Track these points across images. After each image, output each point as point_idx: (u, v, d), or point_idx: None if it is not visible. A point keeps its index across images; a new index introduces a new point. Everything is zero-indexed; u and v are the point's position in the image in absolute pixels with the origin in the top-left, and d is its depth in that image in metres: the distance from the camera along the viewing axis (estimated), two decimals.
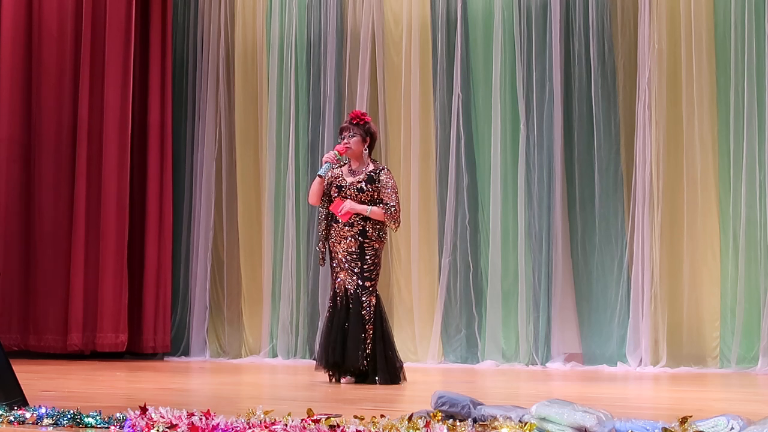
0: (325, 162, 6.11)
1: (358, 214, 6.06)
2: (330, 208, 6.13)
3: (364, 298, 6.01)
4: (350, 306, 6.03)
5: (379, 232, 6.10)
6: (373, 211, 6.06)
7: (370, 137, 6.19)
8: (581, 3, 8.29)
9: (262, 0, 9.53)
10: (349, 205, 6.04)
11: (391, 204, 6.06)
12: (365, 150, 6.17)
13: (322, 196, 6.18)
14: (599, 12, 8.22)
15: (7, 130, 8.84)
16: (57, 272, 8.81)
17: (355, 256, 6.05)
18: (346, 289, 6.06)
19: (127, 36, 9.05)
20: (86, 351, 8.80)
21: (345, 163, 6.20)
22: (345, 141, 6.13)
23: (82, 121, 8.90)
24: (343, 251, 6.07)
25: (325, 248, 6.19)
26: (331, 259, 6.16)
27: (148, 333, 9.13)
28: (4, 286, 8.70)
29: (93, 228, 8.85)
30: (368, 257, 6.05)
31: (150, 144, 9.30)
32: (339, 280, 6.10)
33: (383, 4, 9.03)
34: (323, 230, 6.18)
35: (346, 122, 6.27)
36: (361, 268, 6.04)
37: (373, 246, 6.08)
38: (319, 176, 6.13)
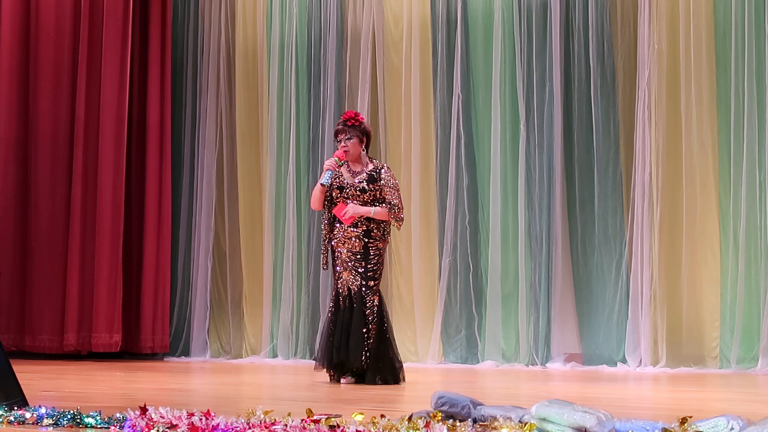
0: (327, 170, 6.08)
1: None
2: (333, 211, 6.11)
3: (367, 298, 6.00)
4: (354, 306, 6.02)
5: (383, 231, 6.10)
6: (376, 212, 6.05)
7: (366, 137, 6.18)
8: (581, 3, 8.29)
9: (262, 0, 9.53)
10: (352, 209, 6.02)
11: (394, 202, 6.05)
12: (363, 149, 6.16)
13: (324, 198, 6.16)
14: (599, 12, 8.22)
15: (4, 129, 8.85)
16: (53, 272, 8.82)
17: (359, 256, 6.04)
18: (350, 289, 6.05)
19: (125, 35, 9.05)
20: (83, 351, 8.81)
21: (343, 163, 6.17)
22: (342, 144, 6.11)
23: (79, 120, 8.90)
24: (347, 251, 6.06)
25: (327, 250, 6.17)
26: (334, 259, 6.14)
27: (147, 333, 9.12)
28: (0, 285, 8.70)
29: (89, 228, 8.85)
30: (372, 257, 6.05)
31: (149, 144, 9.30)
32: (342, 280, 6.08)
33: (383, 4, 9.03)
34: (326, 233, 6.16)
35: (339, 124, 6.21)
36: (365, 267, 6.03)
37: (377, 246, 6.07)
38: (322, 185, 6.11)
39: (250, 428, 2.94)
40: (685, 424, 2.75)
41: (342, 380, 6.03)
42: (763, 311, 7.49)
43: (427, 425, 2.86)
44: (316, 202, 6.19)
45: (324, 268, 6.31)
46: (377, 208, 6.06)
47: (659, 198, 7.93)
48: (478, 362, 8.29)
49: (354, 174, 6.13)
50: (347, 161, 6.15)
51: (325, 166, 6.14)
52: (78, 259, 8.80)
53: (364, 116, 6.69)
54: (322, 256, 6.22)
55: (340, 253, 6.09)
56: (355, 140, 6.11)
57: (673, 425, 2.77)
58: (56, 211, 8.90)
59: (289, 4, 9.36)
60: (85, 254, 8.83)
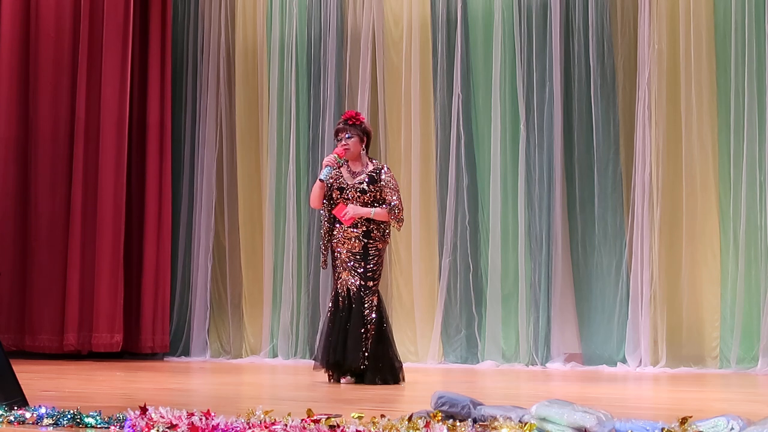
0: (326, 166, 6.08)
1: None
2: (333, 212, 6.11)
3: (366, 298, 6.00)
4: (353, 306, 6.02)
5: (383, 232, 6.10)
6: (377, 212, 6.04)
7: (366, 136, 6.18)
8: (581, 3, 8.29)
9: (262, 0, 9.53)
10: (352, 210, 6.01)
11: (394, 203, 6.05)
12: (363, 149, 6.16)
13: (324, 198, 6.16)
14: (599, 12, 8.22)
15: (4, 129, 8.85)
16: (53, 272, 8.81)
17: (359, 256, 6.03)
18: (349, 289, 6.05)
19: (125, 36, 9.05)
20: (83, 351, 8.81)
21: (343, 163, 6.17)
22: (343, 143, 6.11)
23: (80, 120, 8.90)
24: (347, 252, 6.05)
25: (327, 250, 6.17)
26: (334, 259, 6.14)
27: (147, 333, 9.12)
28: (0, 286, 8.70)
29: (89, 228, 8.85)
30: (372, 257, 6.04)
31: (149, 144, 9.31)
32: (341, 280, 6.08)
33: (383, 4, 9.03)
34: (326, 232, 6.16)
35: (340, 123, 6.22)
36: (364, 268, 6.03)
37: (376, 246, 6.07)
38: (321, 181, 6.11)
39: (250, 428, 2.94)
40: (685, 424, 2.75)
41: (342, 380, 6.02)
42: (763, 311, 7.49)
43: (427, 425, 2.86)
44: (315, 199, 6.18)
45: (323, 267, 6.31)
46: (377, 209, 6.06)
47: (659, 198, 7.93)
48: (478, 362, 8.29)
49: (354, 175, 6.13)
50: (347, 161, 6.14)
51: (324, 162, 6.13)
52: (79, 259, 8.80)
53: (364, 116, 6.69)
54: (321, 255, 6.22)
55: (340, 254, 6.08)
56: (355, 139, 6.10)
57: (673, 425, 2.76)
58: (56, 211, 8.90)
59: (289, 4, 9.36)
60: (86, 254, 8.82)
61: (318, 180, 6.14)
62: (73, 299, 8.75)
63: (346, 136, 6.10)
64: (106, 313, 8.79)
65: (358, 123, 6.15)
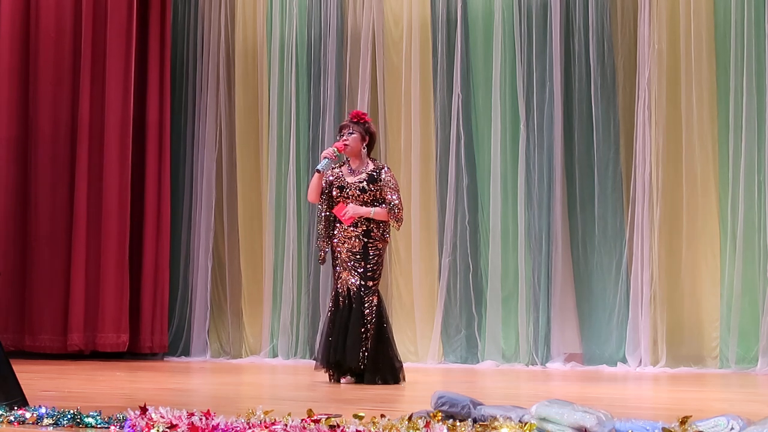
0: (324, 158, 6.10)
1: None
2: (333, 211, 6.11)
3: (366, 298, 6.01)
4: (353, 306, 6.03)
5: (383, 232, 6.10)
6: (376, 212, 6.05)
7: (369, 136, 6.19)
8: (581, 3, 8.29)
9: (262, 0, 9.53)
10: (352, 210, 6.02)
11: (394, 203, 6.05)
12: (364, 149, 6.17)
13: (322, 195, 6.17)
14: (599, 12, 8.22)
15: (5, 130, 8.84)
16: (55, 273, 8.81)
17: (359, 256, 6.04)
18: (349, 289, 6.05)
19: (128, 35, 9.06)
20: (86, 351, 8.80)
21: (344, 162, 6.18)
22: (344, 138, 6.13)
23: (82, 121, 8.90)
24: (346, 251, 6.06)
25: (327, 246, 6.17)
26: (334, 258, 6.14)
27: (146, 333, 9.12)
28: (0, 286, 8.70)
29: (94, 228, 8.84)
30: (372, 257, 6.05)
31: (148, 144, 9.31)
32: (341, 279, 6.09)
33: (383, 4, 9.03)
34: (323, 229, 6.17)
35: (345, 121, 6.28)
36: (364, 267, 6.03)
37: (376, 246, 6.07)
38: (318, 171, 6.13)
39: (250, 428, 2.94)
40: (685, 424, 2.74)
41: (342, 380, 6.03)
42: (762, 311, 7.49)
43: (427, 425, 2.86)
44: (313, 192, 6.19)
45: (321, 263, 6.30)
46: (377, 208, 6.06)
47: (659, 198, 7.93)
48: (478, 362, 8.29)
49: (354, 174, 6.14)
50: (348, 159, 6.16)
51: (322, 154, 6.15)
52: (84, 258, 8.79)
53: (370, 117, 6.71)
54: (319, 249, 6.20)
55: (340, 253, 6.09)
56: (356, 135, 6.12)
57: (673, 425, 2.76)
58: (57, 211, 8.90)
59: (289, 4, 9.36)
60: (91, 254, 8.82)
61: (315, 171, 6.15)
62: (78, 299, 8.75)
63: (348, 132, 6.13)
64: (113, 313, 8.79)
65: (361, 121, 6.17)
